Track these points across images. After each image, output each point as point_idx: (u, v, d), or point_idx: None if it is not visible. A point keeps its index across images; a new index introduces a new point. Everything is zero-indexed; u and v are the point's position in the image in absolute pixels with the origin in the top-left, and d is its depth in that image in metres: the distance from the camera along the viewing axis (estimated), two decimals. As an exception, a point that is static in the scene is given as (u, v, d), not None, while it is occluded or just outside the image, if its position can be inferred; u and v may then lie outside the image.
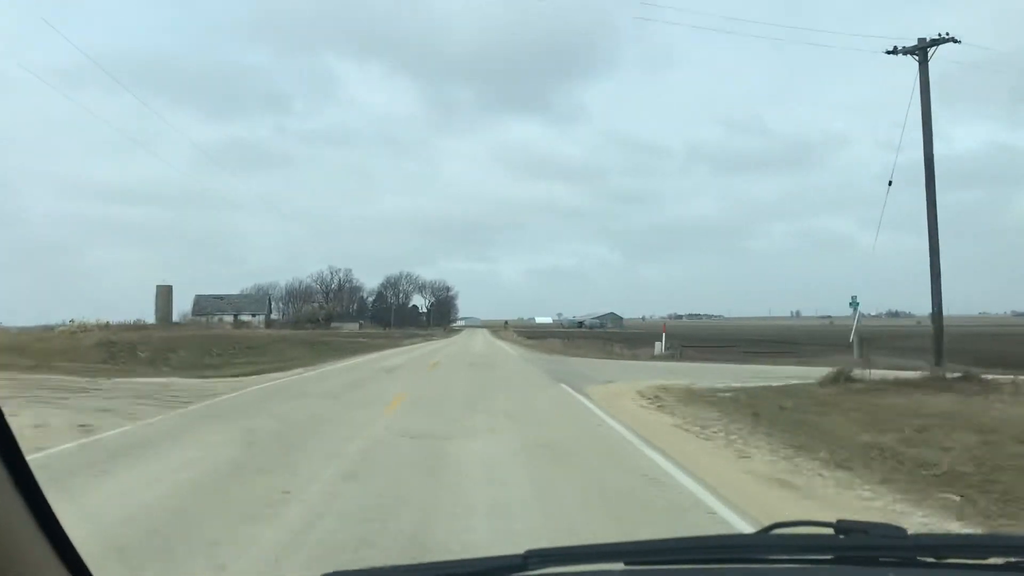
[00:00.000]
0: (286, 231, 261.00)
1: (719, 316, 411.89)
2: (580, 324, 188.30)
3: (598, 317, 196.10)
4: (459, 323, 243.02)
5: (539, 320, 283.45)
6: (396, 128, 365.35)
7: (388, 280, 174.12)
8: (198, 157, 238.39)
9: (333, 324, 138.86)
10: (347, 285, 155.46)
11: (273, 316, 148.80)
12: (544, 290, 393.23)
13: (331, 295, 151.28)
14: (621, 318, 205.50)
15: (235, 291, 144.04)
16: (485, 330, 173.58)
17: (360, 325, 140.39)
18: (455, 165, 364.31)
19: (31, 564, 1.30)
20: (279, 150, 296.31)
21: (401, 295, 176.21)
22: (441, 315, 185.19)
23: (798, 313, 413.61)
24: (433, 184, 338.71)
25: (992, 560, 1.60)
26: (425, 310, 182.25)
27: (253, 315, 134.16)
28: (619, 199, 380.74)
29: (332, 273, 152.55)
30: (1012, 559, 1.61)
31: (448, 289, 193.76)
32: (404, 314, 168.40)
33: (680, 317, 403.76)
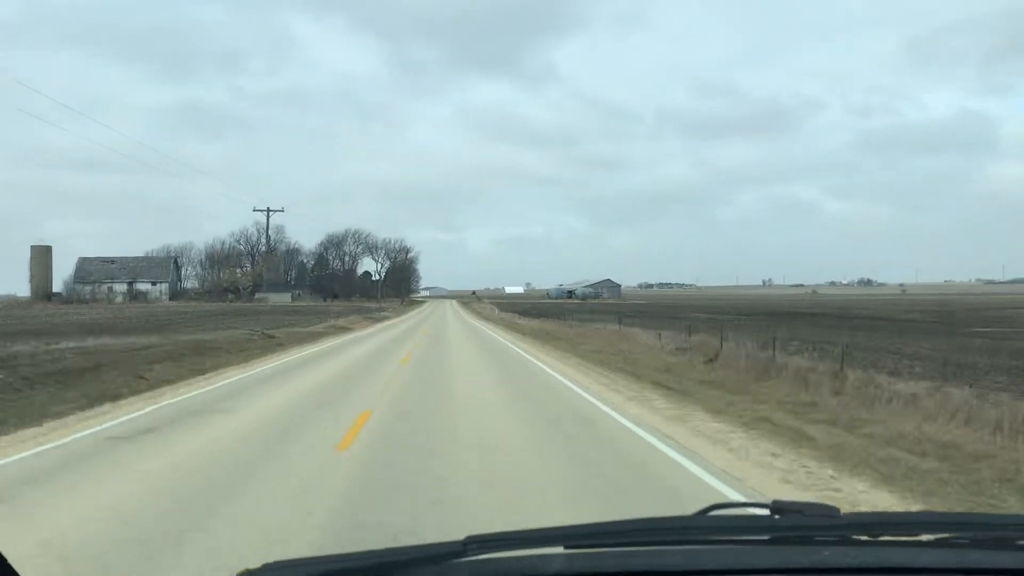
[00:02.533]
0: (235, 199, 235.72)
1: (690, 285, 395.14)
2: (570, 294, 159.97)
3: (591, 285, 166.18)
4: (423, 293, 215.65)
5: (509, 290, 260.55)
6: (357, 89, 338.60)
7: (330, 239, 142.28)
8: (145, 120, 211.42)
9: (260, 295, 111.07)
10: (279, 246, 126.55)
11: (191, 284, 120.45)
12: (511, 259, 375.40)
13: (258, 258, 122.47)
14: (619, 286, 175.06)
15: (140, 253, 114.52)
16: (453, 301, 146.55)
17: (295, 295, 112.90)
18: (420, 130, 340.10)
19: None
20: (230, 113, 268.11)
21: (347, 258, 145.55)
22: (398, 283, 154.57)
23: (770, 281, 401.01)
24: (396, 149, 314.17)
25: (924, 536, 1.66)
26: (378, 276, 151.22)
27: (154, 283, 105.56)
28: (588, 165, 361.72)
29: (260, 231, 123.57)
30: (941, 535, 1.67)
31: (407, 251, 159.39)
32: (353, 282, 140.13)
33: (651, 286, 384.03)
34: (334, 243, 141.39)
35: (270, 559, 1.57)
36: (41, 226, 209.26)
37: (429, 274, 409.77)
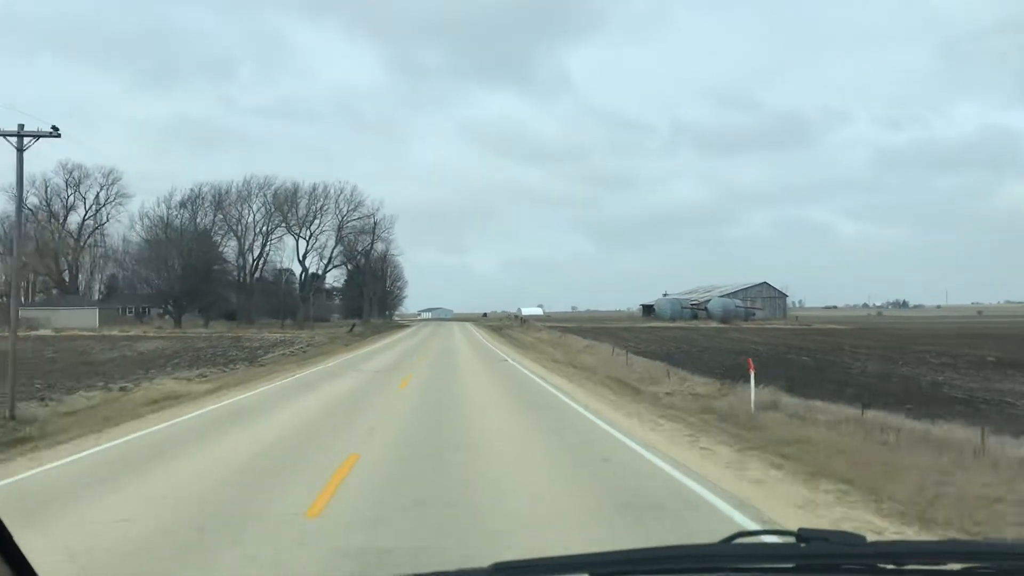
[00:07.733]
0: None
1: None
2: (695, 312, 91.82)
3: (735, 294, 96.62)
4: (423, 316, 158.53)
5: (526, 311, 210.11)
6: (355, 101, 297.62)
7: (192, 197, 72.99)
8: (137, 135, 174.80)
9: (41, 312, 54.20)
10: (109, 210, 67.55)
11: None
12: (518, 281, 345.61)
13: (46, 242, 63.11)
14: (785, 296, 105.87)
15: None
16: (468, 324, 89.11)
17: (127, 312, 55.93)
18: (423, 146, 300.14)
19: None
20: (220, 125, 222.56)
21: (267, 242, 76.23)
22: (359, 293, 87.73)
23: (802, 303, 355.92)
24: (398, 166, 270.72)
25: (950, 566, 1.62)
26: (304, 274, 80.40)
27: None
28: (598, 184, 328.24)
29: (71, 181, 64.77)
30: (969, 564, 1.62)
31: (375, 225, 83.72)
32: (280, 289, 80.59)
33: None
34: (203, 201, 70.15)
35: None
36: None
37: (432, 295, 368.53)
